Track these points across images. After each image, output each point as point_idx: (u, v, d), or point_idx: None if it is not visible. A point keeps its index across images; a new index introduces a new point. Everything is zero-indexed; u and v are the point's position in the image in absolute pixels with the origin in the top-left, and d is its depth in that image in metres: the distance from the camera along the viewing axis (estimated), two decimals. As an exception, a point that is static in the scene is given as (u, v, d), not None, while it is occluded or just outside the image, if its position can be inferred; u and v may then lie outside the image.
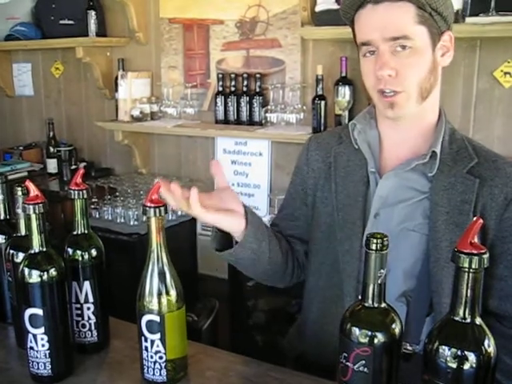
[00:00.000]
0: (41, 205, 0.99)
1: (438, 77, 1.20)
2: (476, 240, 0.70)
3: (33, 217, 0.99)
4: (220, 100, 2.82)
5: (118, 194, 2.97)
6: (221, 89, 2.83)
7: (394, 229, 1.19)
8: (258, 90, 2.72)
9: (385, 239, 0.76)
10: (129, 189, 2.97)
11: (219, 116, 2.85)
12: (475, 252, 0.69)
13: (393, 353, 0.79)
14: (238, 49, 2.82)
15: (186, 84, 3.00)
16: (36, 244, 1.00)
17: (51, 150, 3.33)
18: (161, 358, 1.01)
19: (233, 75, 2.78)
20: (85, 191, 1.10)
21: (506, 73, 2.24)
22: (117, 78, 3.09)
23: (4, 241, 1.21)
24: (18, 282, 1.02)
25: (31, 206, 0.98)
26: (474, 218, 0.72)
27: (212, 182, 3.10)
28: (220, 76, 2.82)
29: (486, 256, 0.69)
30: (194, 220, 3.02)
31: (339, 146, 1.32)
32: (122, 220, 2.88)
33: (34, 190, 1.01)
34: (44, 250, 1.01)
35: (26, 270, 1.00)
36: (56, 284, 1.01)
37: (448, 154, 1.19)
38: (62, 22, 3.14)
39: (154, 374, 1.02)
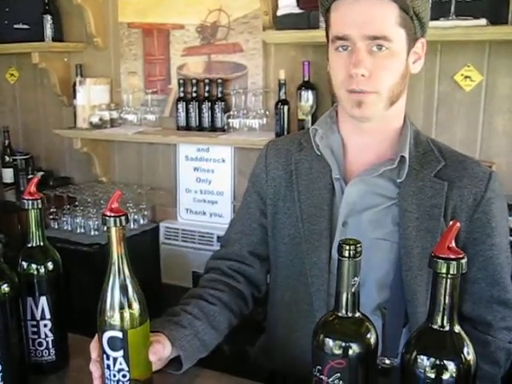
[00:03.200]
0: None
1: (407, 83, 1.16)
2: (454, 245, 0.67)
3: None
4: (181, 106, 2.78)
5: (77, 203, 2.89)
6: (182, 95, 2.78)
7: (363, 238, 1.14)
8: (219, 95, 2.69)
9: (358, 245, 0.73)
10: (89, 198, 2.88)
11: (181, 122, 2.80)
12: (453, 257, 0.66)
13: (369, 364, 0.76)
14: (199, 54, 2.78)
15: (146, 90, 2.94)
16: (-13, 258, 0.94)
17: (7, 159, 3.22)
18: (124, 376, 0.95)
19: (194, 81, 2.74)
20: (39, 201, 1.04)
21: (466, 77, 2.26)
22: (75, 85, 3.01)
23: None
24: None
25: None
26: (451, 222, 0.70)
27: (173, 189, 3.05)
28: (181, 82, 2.78)
29: (464, 261, 0.66)
30: (156, 229, 2.96)
31: (300, 152, 1.26)
32: (82, 230, 2.81)
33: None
34: (-6, 264, 0.94)
35: (-22, 287, 0.93)
36: (9, 300, 0.95)
37: (414, 158, 1.17)
38: (16, 26, 3.03)
39: (116, 393, 0.96)
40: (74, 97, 3.02)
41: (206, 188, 2.88)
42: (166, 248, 2.95)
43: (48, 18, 2.89)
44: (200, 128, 2.75)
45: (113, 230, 0.92)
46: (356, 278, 0.74)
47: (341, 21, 1.09)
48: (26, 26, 3.00)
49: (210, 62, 2.76)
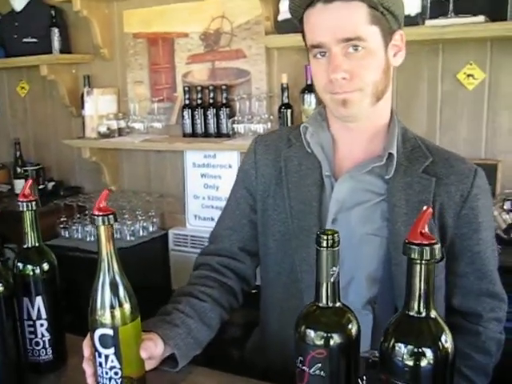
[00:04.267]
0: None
1: (391, 77, 1.17)
2: (427, 230, 0.67)
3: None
4: (187, 113, 2.80)
5: (87, 212, 2.92)
6: (187, 102, 2.81)
7: (353, 234, 1.16)
8: (224, 101, 2.71)
9: (335, 235, 0.73)
10: (98, 206, 2.91)
11: (187, 129, 2.83)
12: (426, 243, 0.66)
13: (350, 354, 0.76)
14: (203, 61, 2.80)
15: (152, 99, 2.98)
16: (-20, 259, 0.96)
17: (18, 170, 3.27)
18: (116, 373, 0.96)
19: (199, 88, 2.77)
20: (34, 202, 1.06)
21: (468, 75, 2.26)
22: (83, 95, 3.05)
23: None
24: (-37, 299, 0.97)
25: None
26: (424, 208, 0.70)
27: (181, 196, 3.06)
28: (186, 89, 2.80)
29: (437, 246, 0.66)
30: (165, 236, 2.98)
31: (289, 149, 1.27)
32: (92, 238, 2.83)
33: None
34: (-12, 264, 0.96)
35: (-29, 287, 0.95)
36: (3, 300, 0.97)
37: (402, 154, 1.17)
38: (25, 40, 3.09)
39: (109, 390, 0.97)
40: (83, 107, 3.06)
41: (213, 194, 2.90)
42: (175, 254, 2.97)
43: (55, 31, 2.95)
44: (206, 134, 2.77)
45: (101, 228, 0.94)
46: (335, 268, 0.74)
47: (313, 29, 1.11)
48: (34, 40, 3.06)
49: (214, 68, 2.78)
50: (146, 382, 1.02)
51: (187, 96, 2.81)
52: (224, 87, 2.70)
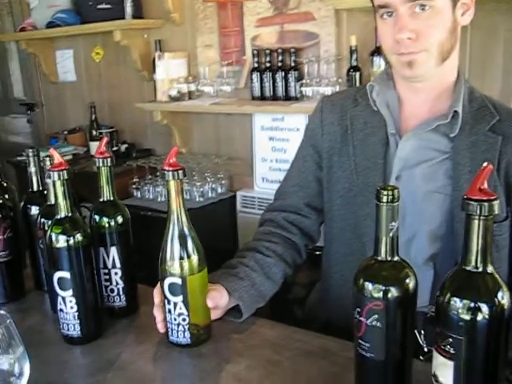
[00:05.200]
0: (65, 171, 1.02)
1: (458, 36, 1.15)
2: (485, 186, 0.68)
3: (57, 183, 1.02)
4: (256, 76, 2.82)
5: (158, 173, 3.02)
6: (256, 65, 2.82)
7: (417, 191, 1.17)
8: (292, 64, 2.70)
9: (395, 191, 0.75)
10: (169, 168, 3.01)
11: (255, 93, 2.85)
12: (485, 198, 0.67)
13: (407, 307, 0.78)
14: (271, 24, 2.80)
15: (221, 62, 3.01)
16: (62, 209, 1.03)
17: (94, 133, 3.41)
18: (184, 320, 1.02)
19: (267, 51, 2.77)
20: (109, 159, 1.12)
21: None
22: (154, 60, 3.13)
23: (37, 211, 1.25)
24: (47, 247, 1.05)
25: (55, 173, 1.01)
26: (484, 164, 0.70)
27: (249, 159, 3.12)
28: (255, 52, 2.81)
29: (495, 202, 0.66)
30: (233, 198, 3.05)
31: (355, 108, 1.29)
32: (163, 199, 2.94)
33: (57, 158, 1.04)
34: (70, 215, 1.04)
35: (53, 235, 1.03)
36: (82, 248, 1.04)
37: (468, 113, 1.16)
38: (99, 6, 3.18)
39: (177, 337, 1.04)
40: (154, 71, 3.14)
41: (281, 157, 2.93)
42: (242, 216, 3.03)
43: (128, -3, 3.02)
44: (274, 97, 2.78)
45: (171, 182, 0.99)
46: (394, 223, 0.76)
47: None
48: (108, 6, 3.15)
49: (283, 31, 2.78)
50: (212, 330, 1.08)
51: (256, 59, 2.82)
52: (292, 50, 2.69)
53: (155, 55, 3.12)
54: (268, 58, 2.78)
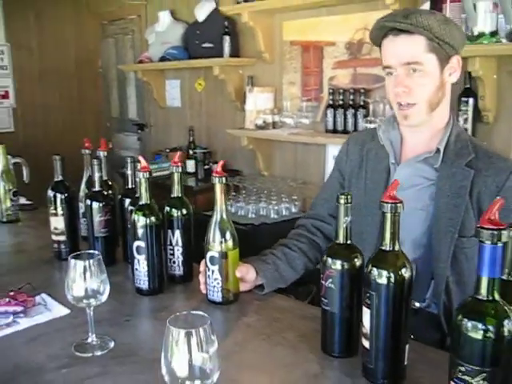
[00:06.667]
0: (147, 172, 1.47)
1: (446, 91, 1.49)
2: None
3: (142, 180, 1.48)
4: (330, 112, 3.22)
5: (243, 192, 3.47)
6: (331, 102, 3.23)
7: (407, 208, 1.50)
8: (362, 103, 3.08)
9: (349, 196, 1.12)
10: (251, 187, 3.47)
11: (329, 126, 3.25)
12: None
13: (352, 275, 1.13)
14: (346, 67, 3.20)
15: (302, 98, 3.45)
16: (143, 198, 1.49)
17: (190, 152, 3.95)
18: (218, 283, 1.43)
19: (341, 90, 3.17)
20: (180, 168, 1.57)
21: None
22: (245, 93, 3.62)
23: (128, 204, 1.72)
24: (131, 224, 1.51)
25: (141, 173, 1.47)
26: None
27: (321, 183, 3.48)
28: (331, 91, 3.22)
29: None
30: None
31: (371, 142, 1.65)
32: (243, 213, 3.38)
33: (143, 163, 1.50)
34: (148, 203, 1.49)
35: (136, 216, 1.49)
36: (155, 227, 1.49)
37: (452, 150, 1.49)
38: (203, 45, 3.74)
39: (213, 296, 1.45)
40: (245, 102, 3.63)
41: (347, 184, 3.28)
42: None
43: (227, 38, 3.55)
44: (344, 131, 3.17)
45: (217, 185, 1.41)
46: (347, 218, 1.13)
47: (385, 54, 1.49)
48: (210, 45, 3.70)
49: (356, 74, 3.17)
50: (240, 296, 1.49)
51: (331, 97, 3.23)
52: (362, 91, 3.07)
53: (246, 89, 3.62)
54: (341, 97, 3.18)
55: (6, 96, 5.21)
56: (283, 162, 3.72)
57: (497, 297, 0.84)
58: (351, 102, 3.15)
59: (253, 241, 3.01)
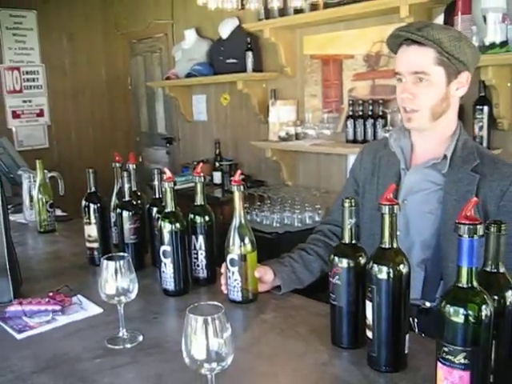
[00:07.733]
0: (172, 182, 1.60)
1: (453, 102, 1.58)
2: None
3: (167, 189, 1.61)
4: (350, 123, 3.33)
5: (268, 201, 3.59)
6: (351, 113, 3.33)
7: (416, 211, 1.61)
8: (380, 113, 3.18)
9: (353, 200, 1.23)
10: (275, 197, 3.59)
11: (349, 136, 3.35)
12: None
13: (357, 272, 1.23)
14: (365, 79, 3.31)
15: (323, 109, 3.56)
16: (168, 206, 1.62)
17: (217, 164, 4.09)
18: (238, 284, 1.55)
19: (360, 101, 3.27)
20: (203, 178, 1.69)
21: None
22: (268, 106, 3.75)
23: (156, 212, 1.85)
24: (158, 230, 1.64)
25: (166, 183, 1.60)
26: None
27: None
28: (350, 102, 3.33)
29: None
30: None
31: (384, 150, 1.74)
32: (267, 222, 3.50)
33: (168, 173, 1.63)
34: (173, 210, 1.62)
35: (162, 223, 1.61)
36: (180, 232, 1.62)
37: (459, 157, 1.58)
38: (228, 61, 3.89)
39: (233, 295, 1.56)
40: (268, 115, 3.76)
41: (369, 193, 3.37)
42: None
43: (249, 54, 3.69)
44: (364, 141, 3.26)
45: (236, 193, 1.54)
46: (351, 220, 1.24)
47: (398, 62, 1.60)
48: (234, 61, 3.85)
49: (374, 85, 3.27)
50: (258, 296, 1.60)
51: (351, 108, 3.33)
52: (381, 101, 3.17)
53: (269, 102, 3.75)
54: (361, 107, 3.28)
55: (41, 114, 5.45)
56: (306, 172, 3.83)
57: (475, 284, 0.94)
58: (370, 113, 3.25)
59: (277, 248, 3.12)
